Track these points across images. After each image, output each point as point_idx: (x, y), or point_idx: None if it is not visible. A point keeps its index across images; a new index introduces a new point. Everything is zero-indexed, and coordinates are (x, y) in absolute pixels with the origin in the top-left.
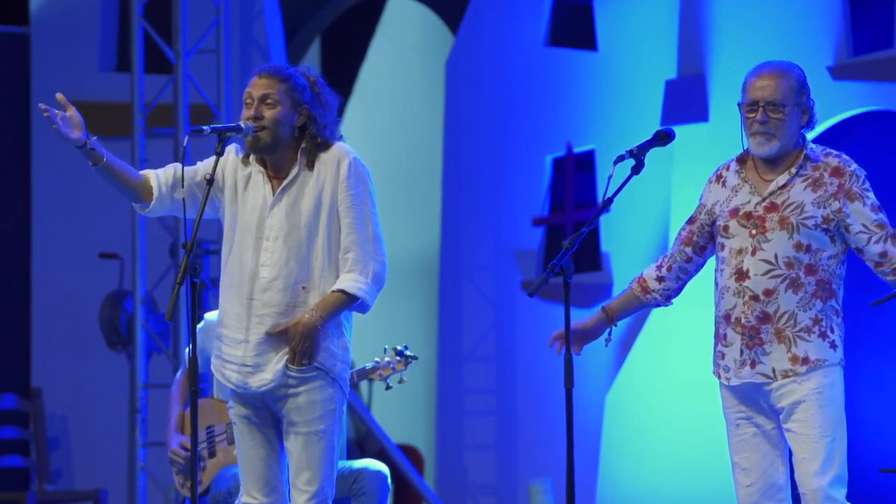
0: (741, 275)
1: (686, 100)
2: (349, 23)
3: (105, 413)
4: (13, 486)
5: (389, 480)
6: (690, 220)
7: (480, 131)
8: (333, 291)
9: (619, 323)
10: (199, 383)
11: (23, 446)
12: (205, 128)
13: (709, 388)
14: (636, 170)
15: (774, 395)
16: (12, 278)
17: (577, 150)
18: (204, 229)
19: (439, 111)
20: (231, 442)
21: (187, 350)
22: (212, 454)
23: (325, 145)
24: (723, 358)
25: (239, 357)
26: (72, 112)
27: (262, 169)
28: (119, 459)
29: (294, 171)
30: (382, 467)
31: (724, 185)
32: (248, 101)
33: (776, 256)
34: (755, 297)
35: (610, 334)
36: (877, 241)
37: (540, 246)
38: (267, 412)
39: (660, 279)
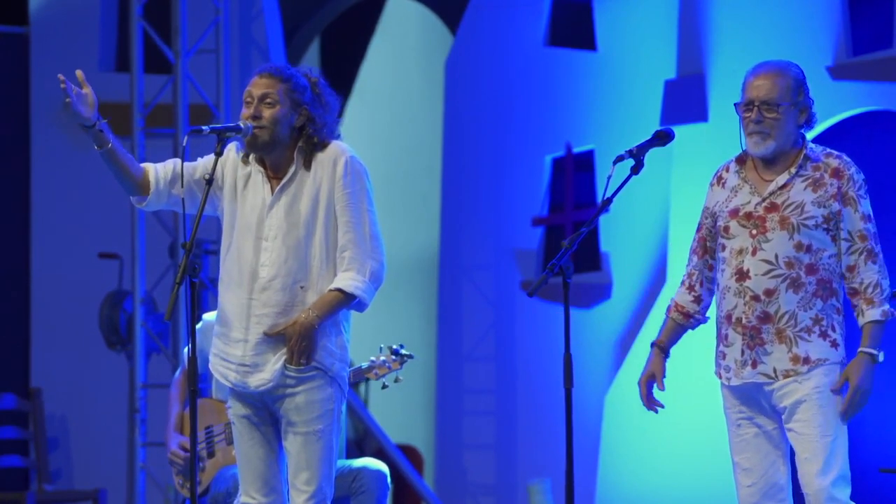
0: (742, 275)
1: (685, 100)
2: (348, 23)
3: (104, 413)
4: (12, 486)
5: (389, 479)
6: (698, 229)
7: (480, 131)
8: (331, 290)
9: (617, 323)
10: (198, 383)
11: (22, 446)
12: (204, 128)
13: (708, 389)
14: (635, 170)
15: (776, 396)
16: (12, 278)
17: (576, 150)
18: (203, 229)
19: (439, 111)
20: (230, 442)
21: (186, 350)
22: (211, 454)
23: (322, 145)
24: (724, 358)
25: (238, 356)
26: (88, 90)
27: (261, 169)
28: (118, 459)
29: (291, 170)
30: (382, 466)
31: (723, 186)
32: (248, 99)
33: (776, 256)
34: (756, 298)
35: None
36: (851, 253)
37: (539, 246)
38: (266, 412)
39: (696, 299)
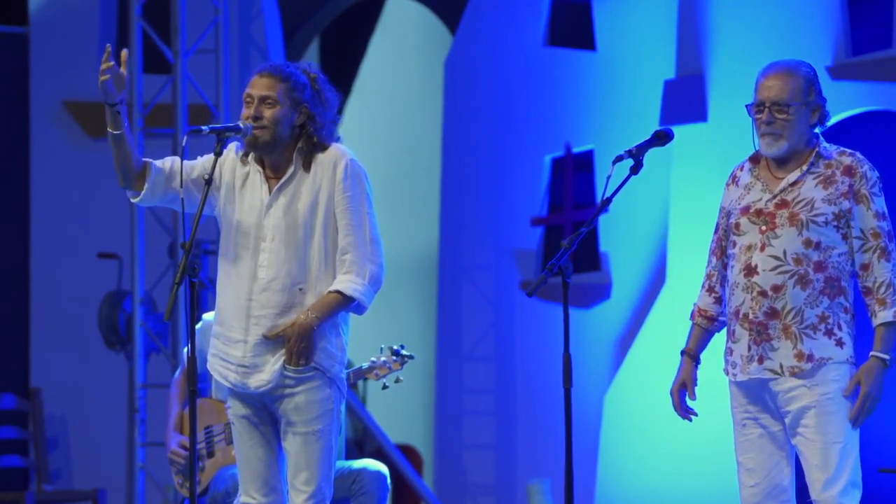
0: (750, 270)
1: (685, 100)
2: (348, 23)
3: (104, 413)
4: (12, 486)
5: (389, 480)
6: (716, 230)
7: (479, 131)
8: (330, 292)
9: (617, 323)
10: (197, 383)
11: (22, 446)
12: (203, 128)
13: (707, 388)
14: (635, 170)
15: (782, 398)
16: (11, 278)
17: (575, 150)
18: (202, 229)
19: (438, 111)
20: (229, 442)
21: (186, 350)
22: (210, 454)
23: (322, 146)
24: (731, 354)
25: (238, 357)
26: (124, 72)
27: (259, 168)
28: (118, 459)
29: (290, 170)
30: (382, 467)
31: (737, 184)
32: (248, 100)
33: (785, 252)
34: (763, 293)
35: None
36: (865, 251)
37: (539, 246)
38: (265, 412)
39: (718, 300)
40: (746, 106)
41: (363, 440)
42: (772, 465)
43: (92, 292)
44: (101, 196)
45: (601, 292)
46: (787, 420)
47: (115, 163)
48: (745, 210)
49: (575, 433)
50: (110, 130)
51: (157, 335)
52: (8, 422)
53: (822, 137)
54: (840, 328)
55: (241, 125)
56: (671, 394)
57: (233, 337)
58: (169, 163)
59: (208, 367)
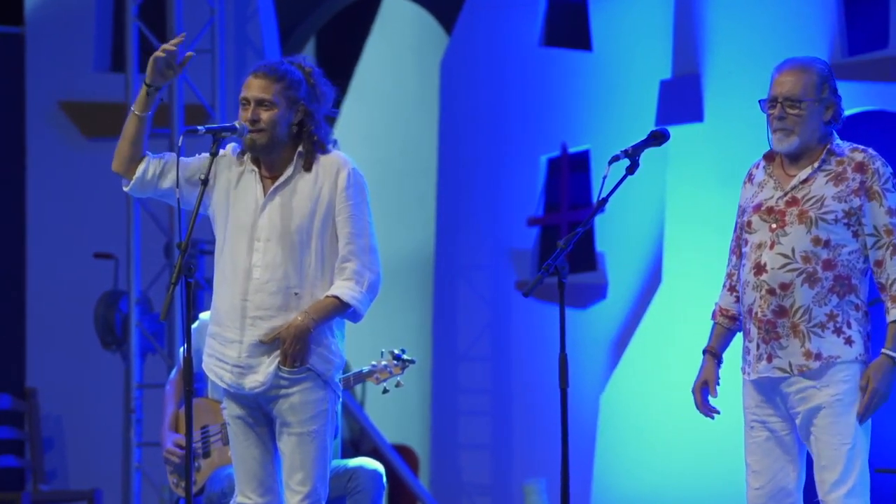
0: (759, 269)
1: (681, 100)
2: (344, 23)
3: (100, 413)
4: (8, 486)
5: (384, 479)
6: (735, 228)
7: (475, 131)
8: (328, 297)
9: (613, 323)
10: (193, 383)
11: (18, 446)
12: (199, 128)
13: None
14: (631, 170)
15: (792, 399)
16: (7, 278)
17: (571, 150)
18: (199, 229)
19: (434, 111)
20: (226, 442)
21: (181, 350)
22: (206, 454)
23: (321, 145)
24: (748, 353)
25: (233, 357)
26: (178, 70)
27: (254, 168)
28: (114, 459)
29: (289, 171)
30: (377, 466)
31: (752, 182)
32: (245, 103)
33: (793, 250)
34: (771, 291)
35: None
36: (878, 247)
37: (535, 246)
38: (260, 412)
39: (739, 300)
40: (760, 101)
41: (359, 440)
42: (777, 469)
43: (88, 292)
44: (98, 196)
45: (597, 292)
46: (797, 420)
47: (121, 144)
48: (757, 208)
49: (571, 433)
50: (135, 111)
51: (154, 335)
52: (4, 422)
53: (835, 134)
54: (850, 326)
55: (238, 125)
56: (693, 392)
57: (228, 337)
58: (164, 161)
59: (203, 367)
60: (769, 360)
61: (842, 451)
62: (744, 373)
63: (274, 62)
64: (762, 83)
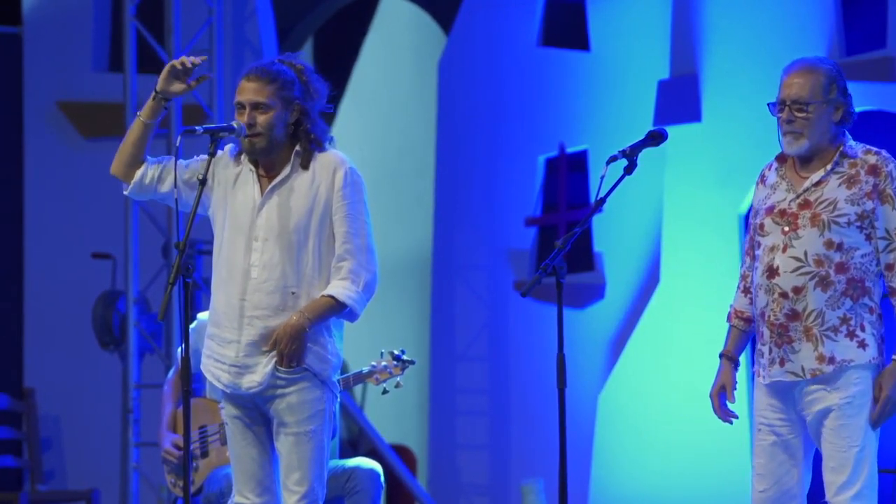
0: (772, 272)
1: (679, 100)
2: (342, 23)
3: (98, 413)
4: (6, 486)
5: (382, 478)
6: (748, 230)
7: (473, 131)
8: (324, 296)
9: (611, 323)
10: (191, 383)
11: (15, 446)
12: (197, 128)
13: (701, 388)
14: (629, 170)
15: (804, 401)
16: (5, 278)
17: (569, 150)
18: (197, 229)
19: (432, 111)
20: (224, 442)
21: (179, 350)
22: (204, 454)
23: (319, 143)
24: (761, 356)
25: (230, 358)
26: (189, 87)
27: (252, 167)
28: (112, 459)
29: (286, 170)
30: (375, 465)
31: (765, 183)
32: (240, 108)
33: (806, 254)
34: (784, 295)
35: None
36: (890, 251)
37: (533, 246)
38: (258, 412)
39: (753, 301)
40: (769, 104)
41: (357, 440)
42: (782, 473)
43: (86, 292)
44: (96, 196)
45: (595, 292)
46: (808, 420)
47: (123, 147)
48: (770, 210)
49: (569, 433)
50: (141, 118)
51: (151, 335)
52: (2, 422)
53: (848, 135)
54: (863, 329)
55: (235, 125)
56: (711, 397)
57: (226, 337)
58: (162, 165)
59: (202, 368)
60: (781, 364)
61: (850, 454)
62: (757, 376)
63: (265, 63)
64: (760, 83)
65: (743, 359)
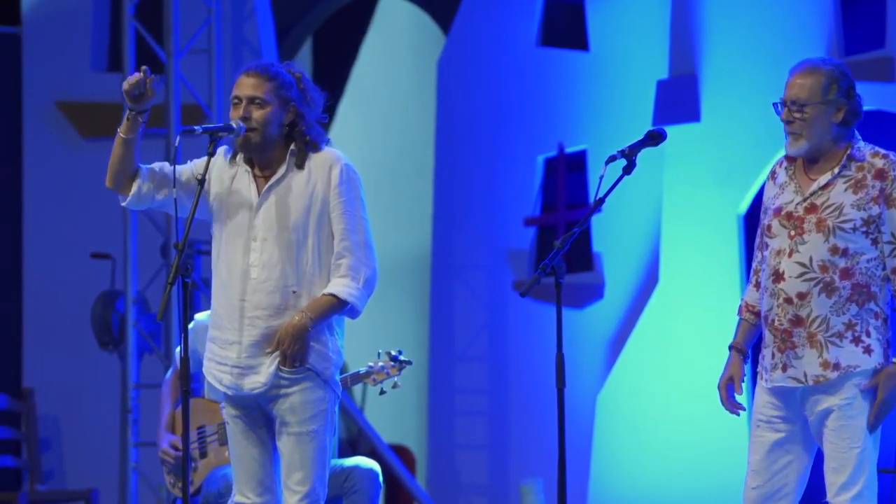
0: (777, 276)
1: (678, 100)
2: (341, 23)
3: (97, 413)
4: (5, 486)
5: (381, 478)
6: (760, 225)
7: (472, 131)
8: (325, 295)
9: (610, 323)
10: (190, 383)
11: (14, 446)
12: (196, 128)
13: (700, 388)
14: (628, 170)
15: (807, 403)
16: (4, 278)
17: (568, 150)
18: (195, 229)
19: (431, 111)
20: (222, 443)
21: (178, 350)
22: (203, 454)
23: (314, 145)
24: (764, 359)
25: (232, 359)
26: (152, 93)
27: (248, 168)
28: (111, 459)
29: (282, 170)
30: (374, 465)
31: (775, 181)
32: (236, 101)
33: (811, 259)
34: (788, 300)
35: None
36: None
37: (532, 246)
38: (259, 412)
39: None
40: (774, 104)
41: (356, 440)
42: (776, 471)
43: (85, 292)
44: (95, 196)
45: (594, 292)
46: (810, 420)
47: (112, 163)
48: (777, 212)
49: (568, 433)
50: (121, 134)
51: (150, 335)
52: (1, 422)
53: (858, 136)
54: (868, 335)
55: (234, 125)
56: (718, 388)
57: (227, 339)
58: (158, 169)
59: (204, 371)
60: (784, 369)
61: (851, 455)
62: (760, 378)
63: (265, 63)
64: (759, 83)
65: None
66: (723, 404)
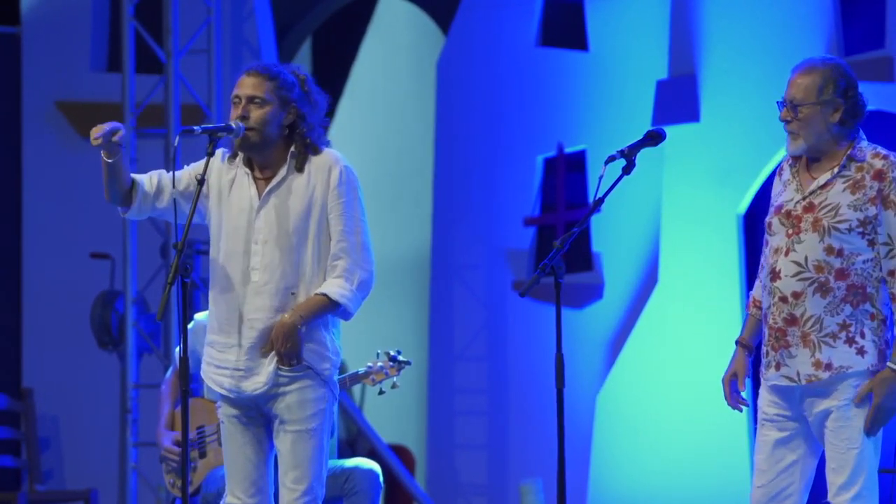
0: (774, 275)
1: (677, 100)
2: (340, 23)
3: (96, 413)
4: (4, 486)
5: (381, 479)
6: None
7: (471, 131)
8: (317, 294)
9: (609, 323)
10: (189, 383)
11: (14, 446)
12: (196, 128)
13: (699, 388)
14: (627, 170)
15: (804, 404)
16: (3, 278)
17: (568, 150)
18: (195, 229)
19: (430, 111)
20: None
21: (177, 350)
22: (202, 454)
23: (314, 148)
24: (764, 356)
25: (232, 362)
26: (121, 132)
27: (247, 170)
28: (110, 459)
29: (282, 172)
30: (374, 465)
31: (780, 178)
32: (236, 100)
33: (806, 259)
34: (784, 299)
35: None
36: (893, 257)
37: (531, 246)
38: (257, 412)
39: None
40: (777, 102)
41: (356, 441)
42: (780, 469)
43: (84, 292)
44: (94, 196)
45: (593, 292)
46: (810, 421)
47: (104, 181)
48: (778, 209)
49: (567, 433)
50: (105, 159)
51: (150, 335)
52: (0, 422)
53: (861, 136)
54: (863, 336)
55: (234, 125)
56: (723, 383)
57: (226, 342)
58: (156, 179)
59: (202, 375)
60: (777, 367)
61: (850, 455)
62: (761, 375)
63: (267, 63)
64: (758, 83)
65: None
66: (725, 399)
